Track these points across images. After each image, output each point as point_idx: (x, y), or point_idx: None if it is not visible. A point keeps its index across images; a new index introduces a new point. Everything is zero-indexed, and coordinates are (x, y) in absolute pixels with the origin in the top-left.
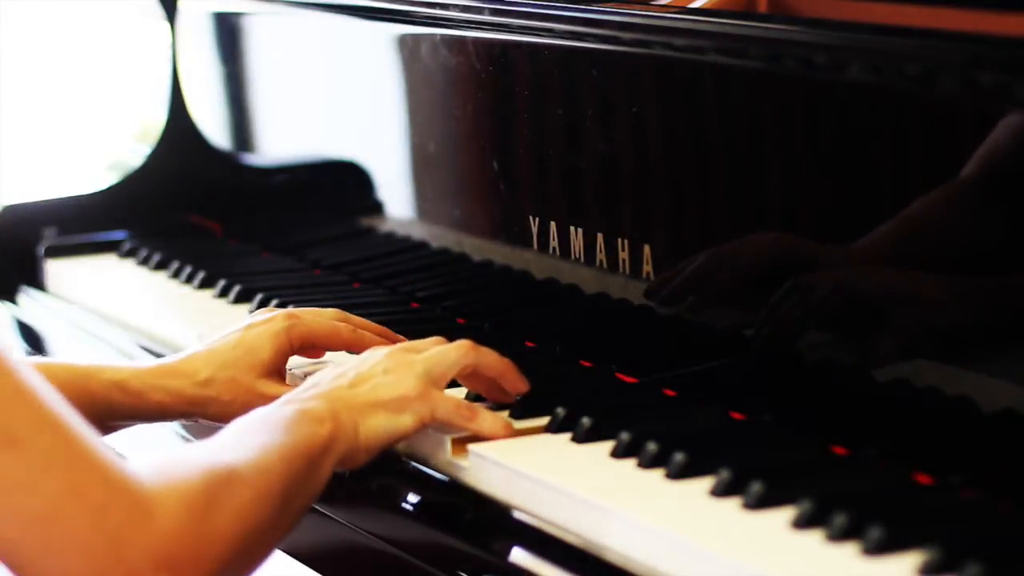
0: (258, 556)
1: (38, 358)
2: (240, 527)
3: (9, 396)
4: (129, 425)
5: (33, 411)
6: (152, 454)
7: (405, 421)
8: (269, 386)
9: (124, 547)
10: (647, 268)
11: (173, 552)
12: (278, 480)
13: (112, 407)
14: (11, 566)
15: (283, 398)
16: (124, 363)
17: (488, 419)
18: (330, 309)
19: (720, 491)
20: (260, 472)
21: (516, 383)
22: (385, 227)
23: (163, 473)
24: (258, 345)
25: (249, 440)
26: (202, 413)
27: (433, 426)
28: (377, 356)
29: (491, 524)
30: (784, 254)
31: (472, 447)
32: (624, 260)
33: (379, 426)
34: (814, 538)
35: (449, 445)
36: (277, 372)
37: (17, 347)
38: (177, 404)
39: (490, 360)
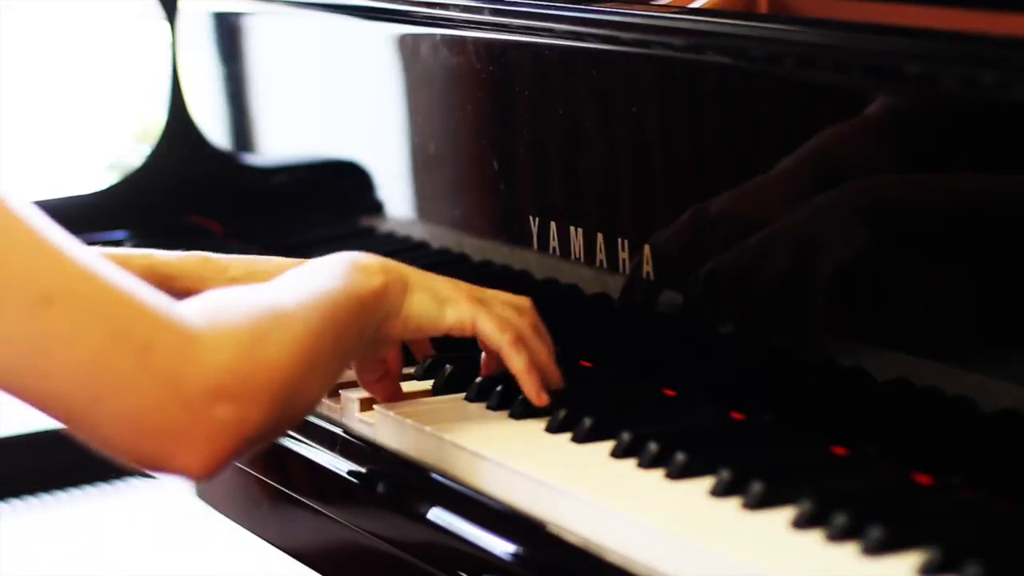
0: (314, 391)
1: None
2: (291, 358)
3: (36, 254)
4: None
5: (63, 265)
6: (200, 297)
7: (446, 313)
8: None
9: (175, 382)
10: (647, 268)
11: (227, 381)
12: (328, 316)
13: None
14: (66, 422)
15: (339, 254)
16: None
17: (525, 359)
18: None
19: (720, 491)
20: (309, 308)
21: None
22: (385, 227)
23: (208, 312)
24: None
25: (300, 282)
26: None
27: (432, 424)
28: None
29: (491, 524)
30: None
31: (472, 447)
32: (624, 260)
33: (423, 305)
34: (814, 538)
35: (449, 445)
36: None
37: None
38: (199, 292)
39: (536, 345)
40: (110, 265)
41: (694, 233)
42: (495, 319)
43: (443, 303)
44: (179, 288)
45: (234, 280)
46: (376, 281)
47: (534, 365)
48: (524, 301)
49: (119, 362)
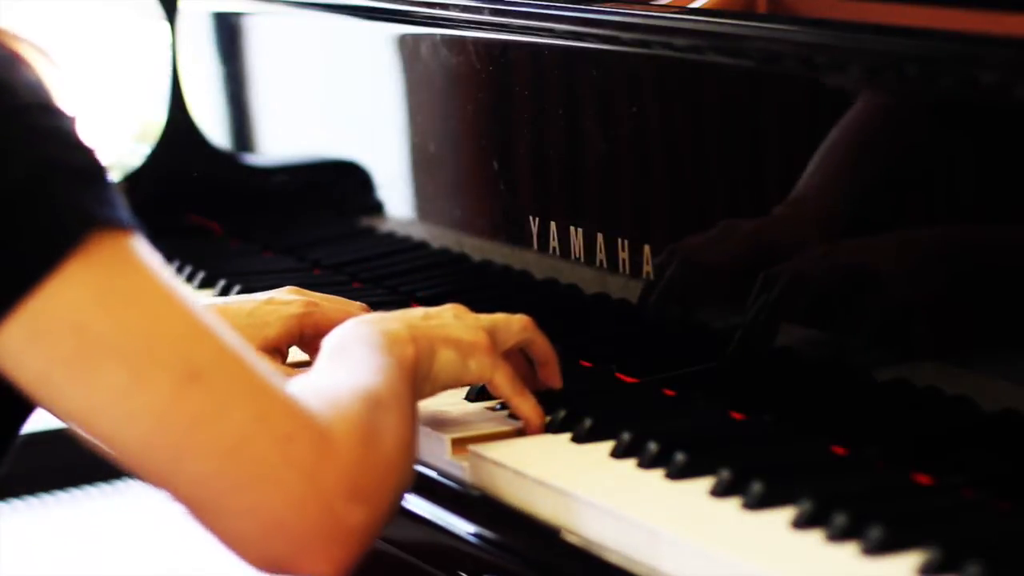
0: (411, 473)
1: None
2: (399, 448)
3: (188, 330)
4: None
5: (212, 343)
6: (303, 380)
7: (471, 367)
8: None
9: (316, 478)
10: (647, 268)
11: (360, 482)
12: (404, 397)
13: None
14: (196, 510)
15: (354, 320)
16: None
17: (531, 403)
18: (356, 302)
19: (720, 491)
20: (392, 393)
21: (555, 376)
22: (385, 227)
23: (329, 402)
24: (268, 322)
25: (364, 361)
26: None
27: (432, 424)
28: (441, 307)
29: (491, 524)
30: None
31: (472, 448)
32: (624, 260)
33: (450, 362)
34: (814, 538)
35: (449, 445)
36: (278, 352)
37: None
38: None
39: (543, 344)
40: (249, 347)
41: (713, 242)
42: (508, 376)
43: (466, 356)
44: None
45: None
46: (410, 351)
47: (537, 409)
48: (525, 320)
49: (263, 450)
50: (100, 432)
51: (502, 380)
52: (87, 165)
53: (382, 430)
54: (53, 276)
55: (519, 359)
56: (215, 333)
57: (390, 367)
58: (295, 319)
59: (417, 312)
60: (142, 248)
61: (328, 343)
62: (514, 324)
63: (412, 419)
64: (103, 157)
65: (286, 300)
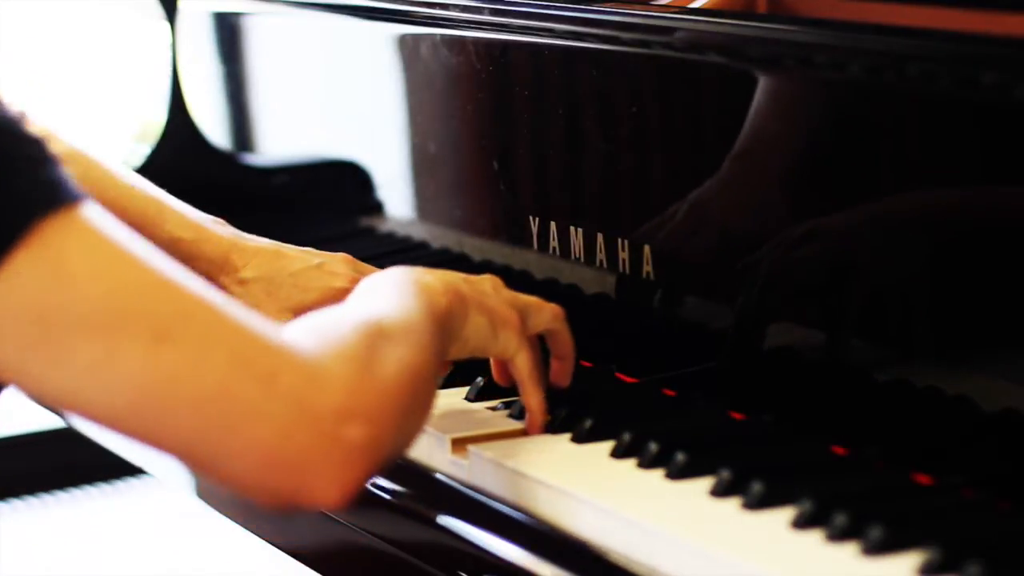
0: (425, 410)
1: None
2: (403, 375)
3: (149, 289)
4: None
5: (177, 298)
6: (301, 321)
7: (499, 339)
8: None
9: (304, 406)
10: (647, 268)
11: (355, 402)
12: (423, 337)
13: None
14: (192, 463)
15: (395, 268)
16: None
17: (540, 397)
18: None
19: (720, 491)
20: (405, 328)
21: (568, 374)
22: (385, 227)
23: (319, 335)
24: (310, 288)
25: (387, 298)
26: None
27: (432, 424)
28: (480, 276)
29: (491, 524)
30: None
31: (472, 447)
32: (624, 260)
33: (481, 328)
34: (814, 538)
35: (449, 445)
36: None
37: None
38: (207, 279)
39: (567, 338)
40: (218, 294)
41: (690, 229)
42: (530, 361)
43: (497, 328)
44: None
45: (243, 282)
46: (442, 302)
47: (543, 405)
48: (556, 309)
49: (245, 391)
50: (82, 408)
51: (523, 362)
52: (20, 152)
53: (382, 357)
54: (2, 270)
55: (537, 351)
56: (180, 286)
57: (413, 309)
58: (336, 292)
59: (457, 275)
60: (90, 218)
61: (362, 284)
62: (546, 311)
63: (426, 356)
64: (42, 136)
65: (334, 272)
